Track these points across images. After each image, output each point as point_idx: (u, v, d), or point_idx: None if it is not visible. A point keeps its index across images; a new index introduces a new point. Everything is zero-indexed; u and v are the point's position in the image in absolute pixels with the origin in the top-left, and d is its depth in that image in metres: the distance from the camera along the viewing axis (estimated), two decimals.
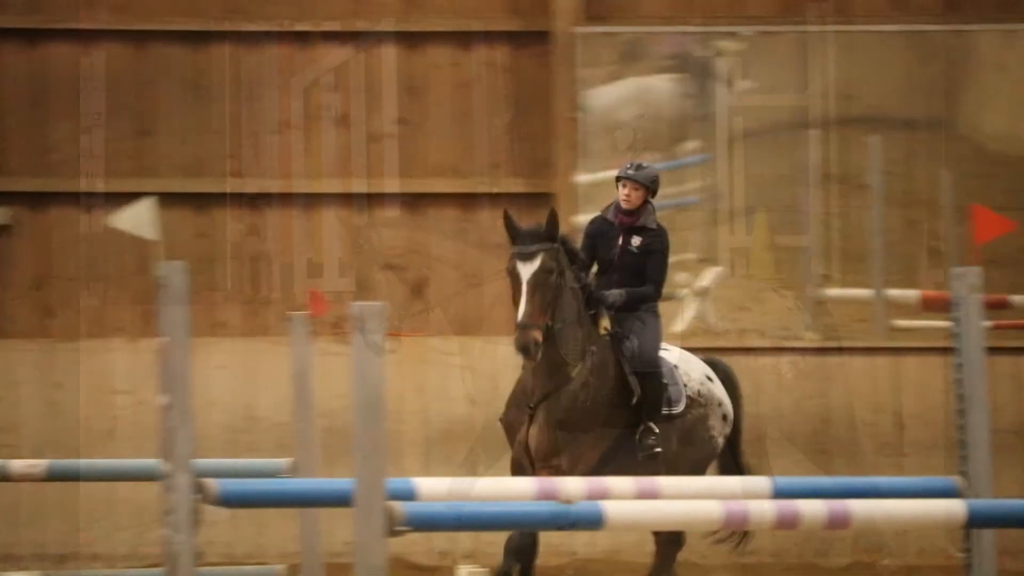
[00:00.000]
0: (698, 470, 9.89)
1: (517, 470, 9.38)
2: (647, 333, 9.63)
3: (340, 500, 6.86)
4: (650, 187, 9.56)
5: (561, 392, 9.19)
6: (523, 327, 8.87)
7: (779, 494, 7.45)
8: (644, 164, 9.65)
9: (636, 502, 6.90)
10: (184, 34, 12.81)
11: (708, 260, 14.00)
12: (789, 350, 13.60)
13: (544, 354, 9.08)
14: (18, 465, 8.96)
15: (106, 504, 12.61)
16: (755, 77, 14.02)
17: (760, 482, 7.68)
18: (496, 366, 12.51)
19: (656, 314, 9.69)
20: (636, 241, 9.45)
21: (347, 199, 13.13)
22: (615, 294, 9.44)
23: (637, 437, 9.35)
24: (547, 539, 10.52)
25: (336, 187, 13.15)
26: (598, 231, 9.61)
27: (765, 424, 12.96)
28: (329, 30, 12.96)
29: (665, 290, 9.97)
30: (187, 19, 12.82)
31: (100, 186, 12.74)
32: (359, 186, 13.15)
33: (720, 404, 9.76)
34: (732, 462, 10.03)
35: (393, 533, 6.43)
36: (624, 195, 9.50)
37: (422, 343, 13.17)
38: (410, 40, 13.21)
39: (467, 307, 13.55)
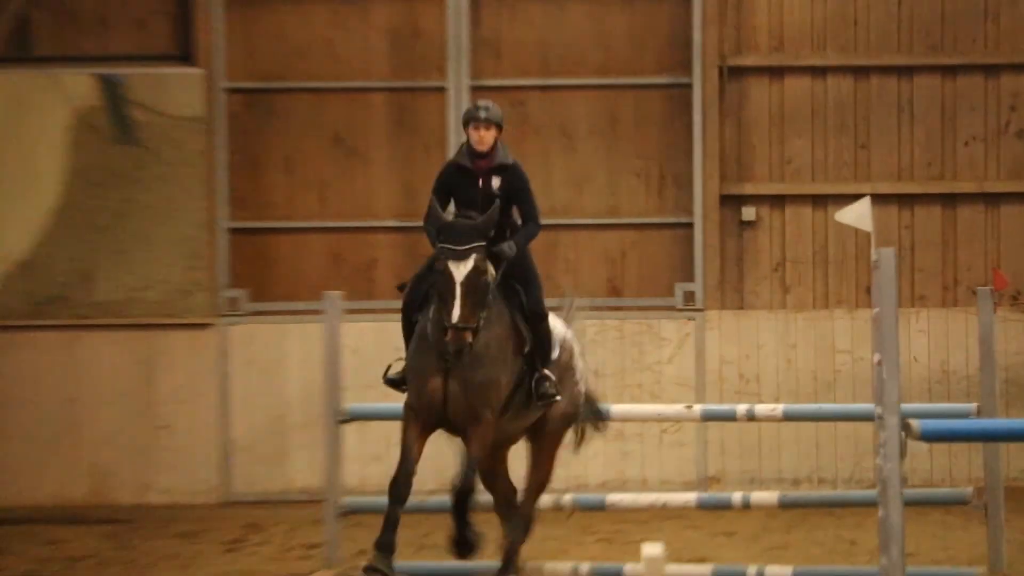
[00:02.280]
0: (573, 414, 9.93)
1: (419, 419, 9.24)
2: (532, 281, 9.58)
3: (1017, 436, 8.11)
4: (500, 125, 9.42)
5: (475, 352, 9.00)
6: (458, 329, 8.75)
7: None
8: (489, 104, 9.50)
9: None
10: (895, 67, 14.66)
11: None
12: None
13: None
14: (761, 409, 10.86)
15: (830, 440, 14.55)
16: None
17: None
18: None
19: (532, 259, 9.61)
20: (496, 182, 9.31)
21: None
22: (510, 247, 9.31)
23: (533, 384, 9.34)
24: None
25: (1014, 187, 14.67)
26: (453, 179, 9.46)
27: None
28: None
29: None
30: (897, 55, 14.70)
31: (827, 189, 14.69)
32: None
33: (576, 348, 9.77)
34: (589, 406, 10.13)
35: None
36: (477, 138, 9.32)
37: None
38: None
39: None
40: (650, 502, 11.86)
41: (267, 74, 14.89)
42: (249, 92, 14.91)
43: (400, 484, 9.21)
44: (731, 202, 14.81)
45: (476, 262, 8.72)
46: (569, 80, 14.84)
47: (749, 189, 14.80)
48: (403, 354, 9.52)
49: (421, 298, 9.40)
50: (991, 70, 14.76)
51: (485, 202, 9.14)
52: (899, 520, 8.16)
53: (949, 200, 14.88)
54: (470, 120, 9.29)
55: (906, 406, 8.31)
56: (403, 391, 9.53)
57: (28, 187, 14.76)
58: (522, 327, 9.34)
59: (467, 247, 8.75)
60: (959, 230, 14.91)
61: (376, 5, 14.74)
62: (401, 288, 9.80)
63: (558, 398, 9.38)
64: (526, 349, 9.30)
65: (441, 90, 14.58)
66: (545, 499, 11.13)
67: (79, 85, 14.63)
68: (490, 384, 9.09)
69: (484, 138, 9.19)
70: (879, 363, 7.85)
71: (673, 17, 14.90)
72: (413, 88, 14.73)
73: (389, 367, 9.54)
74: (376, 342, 14.24)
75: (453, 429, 9.24)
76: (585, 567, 11.00)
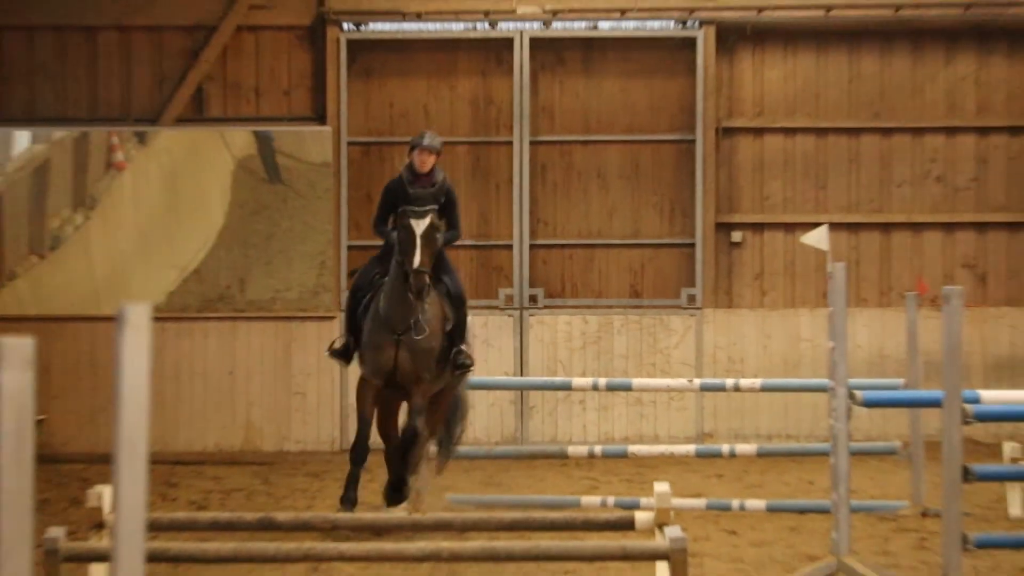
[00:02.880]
0: (460, 395, 10.81)
1: (372, 389, 9.93)
2: (453, 273, 10.29)
3: (932, 403, 8.68)
4: (439, 151, 10.00)
5: (418, 326, 9.66)
6: (419, 272, 9.37)
7: None
8: (432, 134, 10.08)
9: None
10: (846, 129, 15.76)
11: None
12: None
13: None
14: (745, 382, 11.72)
15: (796, 406, 15.44)
16: None
17: None
18: None
19: (450, 259, 10.36)
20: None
21: None
22: (448, 236, 9.97)
23: (452, 356, 9.98)
24: None
25: (933, 219, 15.64)
26: (397, 193, 9.90)
27: None
28: None
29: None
30: (848, 120, 15.77)
31: (795, 218, 15.84)
32: None
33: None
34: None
35: (966, 423, 7.66)
36: (420, 161, 9.85)
37: None
38: None
39: None
40: (660, 452, 12.80)
41: (379, 131, 15.95)
42: (365, 144, 15.94)
43: (360, 448, 9.92)
44: (723, 228, 16.02)
45: (432, 220, 9.48)
46: (604, 136, 15.91)
47: (737, 218, 16.04)
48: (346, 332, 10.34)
49: (367, 284, 10.01)
50: (917, 132, 16.06)
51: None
52: (845, 466, 8.81)
53: (885, 228, 16.11)
54: (416, 147, 9.92)
55: (852, 380, 8.93)
56: (344, 363, 10.31)
57: (201, 215, 15.72)
58: (447, 309, 9.96)
59: (424, 208, 9.51)
60: (892, 250, 16.15)
61: (461, 80, 15.84)
62: (352, 274, 10.59)
63: (472, 367, 10.12)
64: (448, 327, 9.93)
65: (508, 143, 15.80)
66: (580, 449, 12.43)
67: (240, 139, 15.65)
68: (431, 352, 9.68)
69: (426, 161, 9.82)
70: (832, 349, 8.50)
71: (682, 90, 15.98)
72: (487, 142, 15.90)
73: (332, 343, 10.32)
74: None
75: (397, 390, 9.91)
76: (611, 500, 11.96)
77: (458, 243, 15.68)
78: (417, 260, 9.29)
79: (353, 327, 10.13)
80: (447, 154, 15.38)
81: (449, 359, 10.00)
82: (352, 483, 10.05)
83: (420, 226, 9.41)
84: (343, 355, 10.15)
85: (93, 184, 15.83)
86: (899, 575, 9.61)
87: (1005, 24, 15.89)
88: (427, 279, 9.36)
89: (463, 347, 10.00)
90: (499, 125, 15.98)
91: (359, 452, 9.97)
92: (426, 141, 9.83)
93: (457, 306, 10.01)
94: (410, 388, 9.82)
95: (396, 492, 10.14)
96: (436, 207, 9.55)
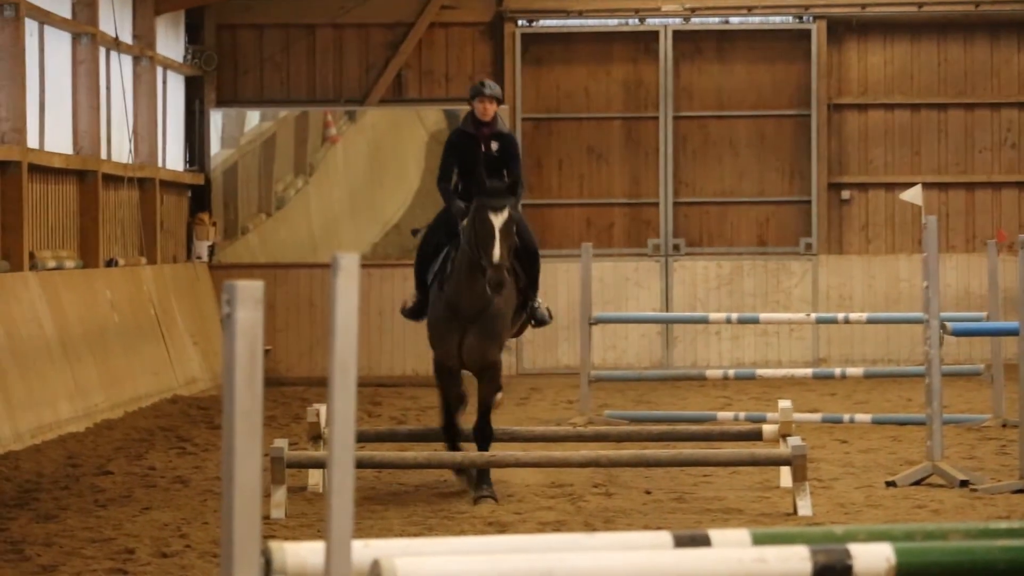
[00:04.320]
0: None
1: (444, 369, 9.58)
2: (526, 229, 9.68)
3: (1011, 332, 9.75)
4: (500, 100, 9.50)
5: (487, 313, 9.16)
6: (499, 267, 8.80)
7: None
8: (492, 83, 9.62)
9: None
10: (936, 104, 17.85)
11: None
12: None
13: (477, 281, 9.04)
14: (854, 316, 13.31)
15: (896, 335, 16.95)
16: None
17: None
18: None
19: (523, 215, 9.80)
20: (495, 146, 9.34)
21: None
22: (519, 196, 9.36)
23: (529, 311, 9.63)
24: None
25: (1009, 178, 17.66)
26: (460, 142, 9.46)
27: None
28: None
29: None
30: (937, 96, 17.92)
31: (894, 179, 17.60)
32: None
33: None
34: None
35: None
36: (482, 109, 9.33)
37: None
38: None
39: None
40: (783, 375, 13.99)
41: (547, 109, 18.16)
42: (536, 120, 18.15)
43: (451, 431, 9.69)
44: (834, 187, 17.99)
45: (509, 213, 8.92)
46: (734, 112, 17.99)
47: (846, 179, 18.14)
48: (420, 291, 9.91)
49: (434, 246, 9.58)
50: (995, 106, 18.15)
51: (487, 161, 9.26)
52: (938, 385, 9.28)
53: (969, 186, 18.13)
54: (476, 95, 9.39)
55: (942, 314, 9.45)
56: (416, 320, 10.00)
57: (400, 179, 17.83)
58: (517, 267, 9.43)
59: (502, 201, 8.92)
60: (976, 205, 18.19)
61: (615, 66, 18.04)
62: (415, 232, 10.32)
63: (550, 319, 9.80)
64: (520, 284, 9.48)
65: (655, 119, 17.96)
66: (715, 372, 13.83)
67: (432, 116, 17.94)
68: (497, 335, 9.29)
69: (488, 110, 9.31)
70: (926, 287, 9.07)
71: (799, 73, 18.12)
72: (638, 118, 18.05)
73: (404, 302, 10.06)
74: (614, 275, 17.49)
75: (470, 369, 9.66)
76: (742, 415, 12.96)
77: (615, 202, 18.16)
78: (497, 255, 8.82)
79: (422, 288, 9.79)
80: (605, 127, 18.12)
81: (525, 314, 9.71)
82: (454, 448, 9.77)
83: (499, 220, 8.92)
84: (415, 315, 9.91)
85: (311, 154, 18.15)
86: (983, 476, 10.04)
87: None
88: (506, 274, 8.92)
89: (539, 302, 9.69)
90: (647, 103, 18.15)
91: (450, 435, 9.81)
92: (487, 90, 9.41)
93: (531, 261, 9.60)
94: (479, 373, 9.58)
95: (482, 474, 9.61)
96: (514, 199, 9.09)
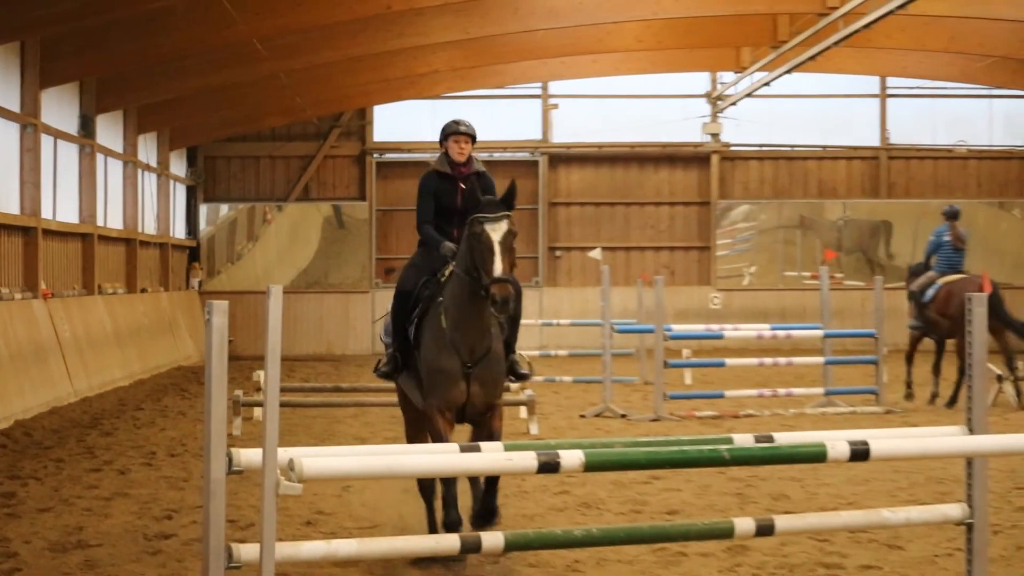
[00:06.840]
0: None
1: (445, 417, 8.05)
2: (520, 290, 8.46)
3: None
4: (475, 138, 8.60)
5: (490, 356, 8.11)
6: (502, 281, 7.65)
7: None
8: (467, 121, 8.63)
9: None
10: None
11: None
12: None
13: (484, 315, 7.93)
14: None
15: (585, 331, 24.02)
16: None
17: None
18: None
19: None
20: (474, 185, 8.27)
21: None
22: (512, 211, 7.98)
23: (509, 364, 8.45)
24: None
25: None
26: (436, 184, 8.59)
27: None
28: None
29: None
30: None
31: None
32: None
33: None
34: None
35: None
36: (457, 150, 8.55)
37: None
38: None
39: None
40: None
41: (392, 203, 27.05)
42: (385, 211, 27.17)
43: (447, 481, 8.17)
44: (552, 249, 26.19)
45: (508, 225, 7.84)
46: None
47: (559, 244, 26.14)
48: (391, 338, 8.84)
49: (413, 288, 8.53)
50: (642, 204, 26.29)
51: (466, 201, 8.39)
52: (609, 360, 12.63)
53: (627, 249, 25.33)
54: (451, 133, 8.57)
55: (612, 320, 13.28)
56: (393, 379, 8.73)
57: (306, 244, 26.25)
58: (502, 320, 8.35)
59: (499, 214, 7.86)
60: (630, 261, 25.56)
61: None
62: (389, 272, 12.09)
63: (529, 374, 8.79)
64: (504, 335, 8.45)
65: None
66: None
67: (325, 209, 27.20)
68: (500, 378, 8.31)
69: (464, 150, 8.56)
70: (603, 305, 12.48)
71: (532, 185, 25.76)
72: None
73: (378, 363, 8.76)
74: None
75: (470, 419, 8.28)
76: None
77: None
78: (499, 268, 7.65)
79: (401, 339, 8.57)
80: None
81: (510, 368, 8.48)
82: (449, 504, 8.24)
83: (498, 232, 7.78)
84: (393, 371, 8.69)
85: (257, 229, 26.98)
86: (634, 412, 11.61)
87: None
88: (511, 289, 7.67)
89: (520, 353, 8.81)
90: None
91: (446, 487, 8.25)
92: (463, 127, 8.54)
93: (513, 321, 8.50)
94: (481, 422, 8.26)
95: (488, 517, 8.24)
96: (510, 212, 7.86)
